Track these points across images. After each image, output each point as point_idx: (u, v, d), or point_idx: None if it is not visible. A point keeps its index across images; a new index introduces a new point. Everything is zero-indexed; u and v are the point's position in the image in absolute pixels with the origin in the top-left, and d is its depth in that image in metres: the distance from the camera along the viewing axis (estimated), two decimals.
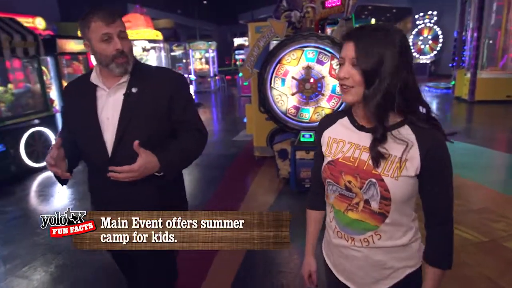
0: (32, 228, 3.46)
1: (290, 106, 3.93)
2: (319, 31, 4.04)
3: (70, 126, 1.40)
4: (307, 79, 3.79)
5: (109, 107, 1.33)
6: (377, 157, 0.97)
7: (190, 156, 1.42)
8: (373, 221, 1.02)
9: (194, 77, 12.82)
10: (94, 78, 1.35)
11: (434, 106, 9.87)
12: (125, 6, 15.64)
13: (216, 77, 16.08)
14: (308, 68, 3.77)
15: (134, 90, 1.33)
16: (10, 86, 5.13)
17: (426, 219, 1.03)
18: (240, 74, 13.64)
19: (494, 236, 2.85)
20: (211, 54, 15.53)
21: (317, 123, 3.85)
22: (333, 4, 3.75)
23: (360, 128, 1.04)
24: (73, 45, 5.74)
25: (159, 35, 7.31)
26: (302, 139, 3.82)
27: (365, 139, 1.01)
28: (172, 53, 10.27)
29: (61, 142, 1.25)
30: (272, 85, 3.90)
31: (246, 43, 24.21)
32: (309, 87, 3.81)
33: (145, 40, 7.21)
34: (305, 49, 3.74)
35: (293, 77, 3.83)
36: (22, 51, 4.80)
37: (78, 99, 1.37)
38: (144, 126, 1.32)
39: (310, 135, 3.80)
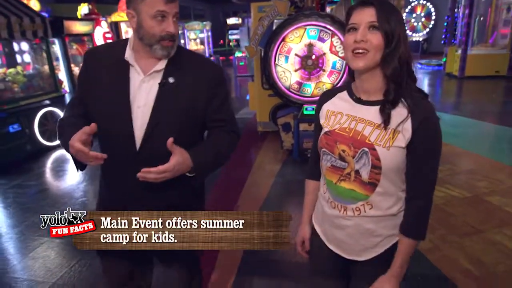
0: (54, 201, 3.76)
1: (293, 82, 4.20)
2: (320, 10, 4.26)
3: (92, 103, 1.24)
4: (309, 56, 4.05)
5: (142, 95, 1.20)
6: (387, 119, 1.00)
7: (223, 159, 1.32)
8: (364, 191, 1.06)
9: None
10: (130, 56, 1.21)
11: (426, 82, 10.20)
12: None
13: (212, 58, 16.13)
14: (310, 46, 4.03)
15: (171, 80, 1.21)
16: (19, 68, 5.30)
17: (407, 191, 1.07)
18: (236, 54, 13.76)
19: (477, 192, 3.24)
20: (207, 34, 15.52)
21: (319, 97, 4.16)
22: None
23: (358, 100, 1.09)
24: (79, 27, 5.87)
25: None
26: (305, 112, 4.12)
27: (362, 111, 1.07)
28: None
29: (94, 129, 1.12)
30: (276, 62, 4.15)
31: (239, 22, 24.10)
32: (311, 64, 4.08)
33: None
34: (307, 27, 3.99)
35: (296, 54, 4.09)
36: (32, 34, 4.95)
37: (108, 75, 1.22)
38: (178, 121, 1.22)
39: (313, 108, 4.09)
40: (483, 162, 4.03)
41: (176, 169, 1.13)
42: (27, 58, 5.67)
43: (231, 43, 24.43)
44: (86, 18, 6.32)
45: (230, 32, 24.44)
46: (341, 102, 1.13)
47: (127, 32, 7.40)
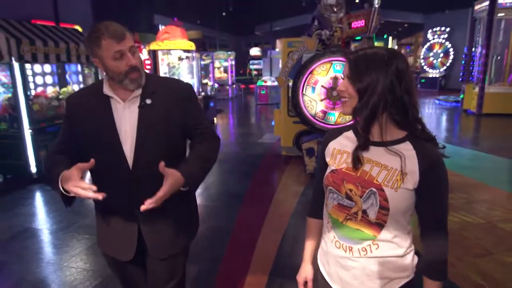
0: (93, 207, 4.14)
1: (318, 110, 4.59)
2: (345, 47, 4.72)
3: (83, 138, 1.35)
4: (334, 87, 4.46)
5: (126, 119, 1.34)
6: (356, 160, 1.06)
7: (209, 163, 1.43)
8: (370, 231, 1.07)
9: (217, 85, 13.58)
10: (108, 90, 1.34)
11: (444, 118, 10.44)
12: (151, 16, 16.63)
13: (234, 86, 16.85)
14: (335, 78, 4.44)
15: (148, 101, 1.34)
16: (69, 88, 5.91)
17: (422, 233, 1.09)
18: (259, 83, 14.41)
19: (491, 220, 3.46)
20: (230, 63, 16.33)
21: (342, 125, 4.53)
22: (358, 25, 4.44)
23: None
24: None
25: (192, 46, 8.08)
26: None
27: (368, 151, 1.08)
28: (202, 62, 11.08)
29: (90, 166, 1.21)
30: (304, 92, 4.57)
31: (260, 54, 25.10)
32: (336, 95, 4.48)
33: (180, 50, 7.99)
34: (333, 62, 4.42)
35: (322, 86, 4.50)
36: (85, 57, 5.58)
37: (93, 111, 1.34)
38: (161, 136, 1.35)
39: None
40: (498, 193, 4.24)
41: (171, 191, 1.24)
42: (75, 78, 6.30)
43: (251, 73, 25.41)
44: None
45: (251, 62, 25.49)
46: (347, 142, 1.14)
47: (163, 59, 8.06)
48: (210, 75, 12.83)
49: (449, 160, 2.88)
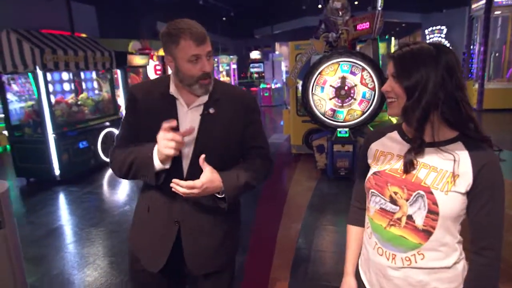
0: (115, 205, 4.39)
1: (327, 109, 4.83)
2: (352, 48, 4.96)
3: (143, 134, 1.30)
4: (342, 86, 4.70)
5: (187, 125, 1.28)
6: (408, 165, 0.99)
7: (255, 183, 1.33)
8: (416, 238, 0.99)
9: None
10: (174, 91, 1.30)
11: None
12: (154, 23, 16.92)
13: None
14: (343, 78, 4.68)
15: (211, 110, 1.30)
16: (84, 94, 6.16)
17: (471, 242, 0.98)
18: (261, 86, 14.66)
19: None
20: (233, 66, 16.60)
21: (350, 122, 4.77)
22: (363, 28, 4.68)
23: (410, 141, 1.03)
24: (138, 60, 6.78)
25: None
26: (338, 135, 4.71)
27: (422, 154, 1.00)
28: None
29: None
30: (313, 91, 4.81)
31: (260, 57, 25.39)
32: (343, 93, 4.72)
33: None
34: (340, 63, 4.66)
35: (330, 85, 4.74)
36: (101, 65, 5.84)
37: (158, 110, 1.30)
38: (219, 148, 1.29)
39: (345, 132, 4.69)
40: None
41: (204, 187, 1.17)
42: (91, 85, 6.56)
43: (252, 76, 25.68)
44: (142, 52, 7.26)
45: (251, 65, 25.78)
46: (391, 143, 1.10)
47: None
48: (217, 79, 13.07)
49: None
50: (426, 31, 19.35)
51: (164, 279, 1.43)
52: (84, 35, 9.30)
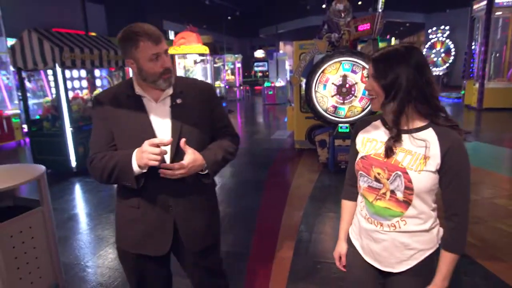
0: None
1: (329, 106, 5.09)
2: (353, 48, 5.22)
3: (120, 138, 1.39)
4: (343, 84, 4.96)
5: (159, 118, 1.39)
6: (388, 150, 1.17)
7: (229, 155, 1.51)
8: (398, 208, 1.19)
9: (226, 87, 14.15)
10: (140, 90, 1.39)
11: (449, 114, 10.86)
12: (161, 22, 17.25)
13: (241, 87, 17.39)
14: (344, 76, 4.94)
15: (178, 101, 1.41)
16: (98, 90, 6.46)
17: (444, 210, 1.18)
18: (266, 84, 14.93)
19: (484, 196, 3.96)
20: (238, 65, 16.88)
21: (351, 118, 5.06)
22: (364, 28, 4.94)
23: (390, 129, 1.21)
24: None
25: (207, 50, 8.63)
26: (340, 130, 4.97)
27: (399, 141, 1.18)
28: (215, 65, 11.64)
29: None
30: (316, 89, 5.08)
31: (264, 56, 25.64)
32: (345, 91, 4.98)
33: (196, 54, 8.54)
34: (342, 62, 4.92)
35: (332, 83, 5.01)
36: (114, 63, 6.13)
37: (128, 111, 1.38)
38: (194, 133, 1.41)
39: (346, 127, 4.96)
40: (495, 176, 4.71)
41: (190, 166, 1.31)
42: (106, 82, 6.87)
43: (256, 74, 25.96)
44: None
45: (256, 64, 26.04)
46: (375, 130, 1.28)
47: (179, 63, 8.61)
48: (223, 77, 13.38)
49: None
50: (429, 31, 19.51)
51: (160, 260, 1.55)
52: (93, 34, 9.65)
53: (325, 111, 5.11)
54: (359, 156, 1.28)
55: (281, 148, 6.91)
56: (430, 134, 1.15)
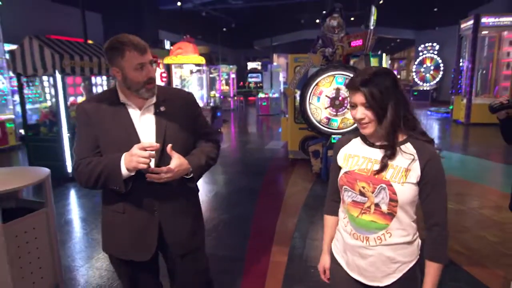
0: None
1: (323, 117, 5.25)
2: (346, 63, 5.42)
3: (105, 144, 1.43)
4: (337, 97, 5.14)
5: (144, 125, 1.45)
6: (383, 167, 1.22)
7: (212, 162, 1.57)
8: (383, 221, 1.23)
9: (221, 97, 14.30)
10: (124, 99, 1.44)
11: (436, 127, 11.17)
12: (156, 32, 17.43)
13: (235, 98, 17.57)
14: (337, 89, 5.12)
15: (162, 108, 1.47)
16: None
17: (425, 221, 1.24)
18: (260, 95, 15.13)
19: (471, 206, 4.12)
20: (232, 76, 17.10)
21: (343, 129, 5.23)
22: (357, 44, 5.15)
23: (371, 145, 1.28)
24: None
25: (203, 60, 8.80)
26: (333, 141, 5.12)
27: (375, 153, 1.26)
28: (210, 75, 11.81)
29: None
30: (310, 101, 5.24)
31: (259, 67, 26.01)
32: (338, 103, 5.15)
33: (192, 64, 8.69)
34: (335, 75, 5.11)
35: (326, 95, 5.18)
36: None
37: (112, 119, 1.42)
38: (178, 139, 1.46)
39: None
40: (481, 188, 4.90)
41: (176, 170, 1.36)
42: (101, 89, 6.95)
43: (250, 85, 26.24)
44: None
45: (249, 75, 26.33)
46: (356, 147, 1.33)
47: (175, 73, 8.74)
48: (218, 87, 13.53)
49: (442, 161, 3.46)
50: (420, 48, 20.06)
51: (148, 266, 1.59)
52: (91, 42, 9.74)
53: (319, 122, 5.27)
54: (342, 171, 1.33)
55: (275, 158, 7.04)
56: (409, 148, 1.22)
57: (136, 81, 1.37)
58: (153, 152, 1.34)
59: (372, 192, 1.22)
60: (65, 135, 5.32)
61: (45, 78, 6.92)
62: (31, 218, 2.34)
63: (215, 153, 1.60)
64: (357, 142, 1.34)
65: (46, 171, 2.51)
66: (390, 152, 1.21)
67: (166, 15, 18.11)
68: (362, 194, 1.25)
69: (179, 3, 14.04)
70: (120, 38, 1.35)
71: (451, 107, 12.03)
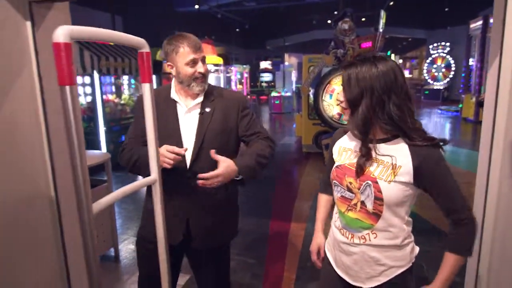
0: None
1: (335, 113, 5.71)
2: None
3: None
4: None
5: (187, 123, 1.51)
6: (359, 170, 1.15)
7: (264, 160, 1.52)
8: (368, 220, 1.16)
9: None
10: (174, 95, 1.53)
11: (447, 126, 11.44)
12: (173, 33, 18.02)
13: (249, 96, 18.07)
14: None
15: (207, 109, 1.52)
16: (124, 96, 7.13)
17: (446, 216, 1.14)
18: (272, 94, 15.60)
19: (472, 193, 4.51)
20: (245, 75, 17.61)
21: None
22: (367, 46, 5.59)
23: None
24: (167, 68, 7.79)
25: (221, 61, 9.34)
26: None
27: (371, 160, 1.16)
28: (227, 75, 12.35)
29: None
30: (323, 98, 5.71)
31: (270, 67, 26.42)
32: None
33: (211, 64, 9.24)
34: None
35: (338, 93, 5.64)
36: None
37: (162, 114, 1.48)
38: (215, 141, 1.49)
39: None
40: None
41: (226, 173, 1.36)
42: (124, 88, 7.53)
43: (262, 85, 26.69)
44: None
45: (261, 74, 26.77)
46: (350, 140, 1.27)
47: None
48: (233, 87, 14.02)
49: (449, 156, 3.72)
50: (431, 47, 20.21)
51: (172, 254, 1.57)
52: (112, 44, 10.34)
53: (331, 118, 5.72)
54: (334, 165, 1.28)
55: (290, 152, 7.52)
56: (400, 143, 1.14)
57: (188, 76, 1.46)
58: (180, 156, 1.39)
59: (358, 189, 1.17)
60: (101, 128, 5.90)
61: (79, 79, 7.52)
62: (97, 191, 2.89)
63: (266, 150, 1.56)
64: (351, 135, 1.26)
65: (107, 154, 3.07)
66: (365, 153, 1.15)
67: (181, 16, 18.72)
68: (349, 190, 1.20)
69: (196, 6, 14.60)
70: (177, 35, 1.47)
71: (460, 105, 12.29)
